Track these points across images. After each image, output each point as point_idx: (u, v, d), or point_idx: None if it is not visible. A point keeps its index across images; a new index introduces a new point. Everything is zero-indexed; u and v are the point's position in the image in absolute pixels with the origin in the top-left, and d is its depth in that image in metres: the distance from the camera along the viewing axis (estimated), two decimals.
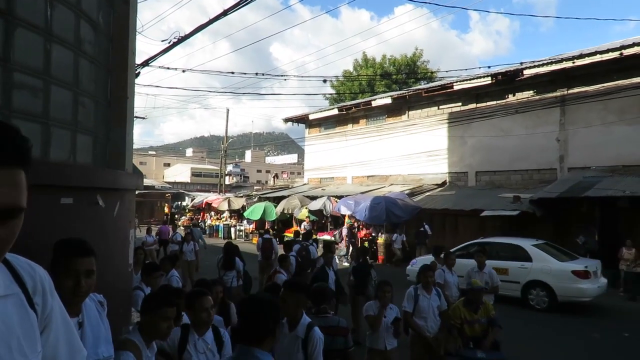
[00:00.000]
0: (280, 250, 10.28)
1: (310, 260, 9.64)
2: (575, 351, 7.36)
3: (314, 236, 20.07)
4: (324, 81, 17.84)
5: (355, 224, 18.45)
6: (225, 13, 8.75)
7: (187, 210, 34.57)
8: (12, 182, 1.00)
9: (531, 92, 17.10)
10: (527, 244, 10.80)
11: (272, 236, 12.61)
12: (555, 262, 10.10)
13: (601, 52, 14.46)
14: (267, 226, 23.83)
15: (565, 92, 15.99)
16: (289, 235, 19.19)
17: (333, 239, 18.33)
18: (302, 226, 19.46)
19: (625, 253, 11.93)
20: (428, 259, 10.60)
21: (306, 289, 3.48)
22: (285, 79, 16.74)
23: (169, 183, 50.23)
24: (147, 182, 38.70)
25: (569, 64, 15.19)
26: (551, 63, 15.67)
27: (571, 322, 9.13)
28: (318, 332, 3.22)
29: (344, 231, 17.80)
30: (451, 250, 11.03)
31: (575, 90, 15.72)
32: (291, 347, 3.22)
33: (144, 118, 28.77)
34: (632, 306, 10.62)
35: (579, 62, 14.94)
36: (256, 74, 15.47)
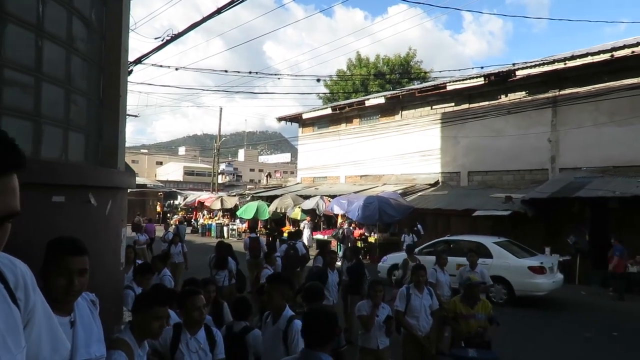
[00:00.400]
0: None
1: (299, 258, 9.83)
2: (567, 350, 7.42)
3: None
4: (318, 80, 17.89)
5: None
6: (219, 11, 8.71)
7: (179, 209, 34.44)
8: (9, 189, 1.04)
9: (523, 92, 17.22)
10: (488, 241, 11.26)
11: (267, 235, 12.67)
12: (513, 258, 10.56)
13: (592, 54, 14.59)
14: (260, 225, 23.85)
15: (557, 93, 16.12)
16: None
17: (326, 237, 18.33)
18: (303, 225, 19.42)
19: None
20: (400, 256, 10.97)
21: (289, 282, 3.58)
22: (279, 78, 16.75)
23: (161, 182, 49.99)
24: (139, 180, 38.48)
25: (560, 65, 15.31)
26: (543, 64, 15.78)
27: (561, 321, 9.23)
28: (298, 324, 3.27)
29: (347, 230, 17.57)
30: (419, 247, 11.50)
31: (567, 91, 15.85)
32: (274, 339, 3.32)
33: (136, 116, 28.54)
34: (620, 305, 10.75)
35: (570, 64, 15.06)
36: (250, 72, 15.47)
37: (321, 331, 2.55)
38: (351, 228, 17.72)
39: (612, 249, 11.74)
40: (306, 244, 17.76)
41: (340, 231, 17.55)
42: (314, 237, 20.08)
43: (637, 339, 8.07)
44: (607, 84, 14.68)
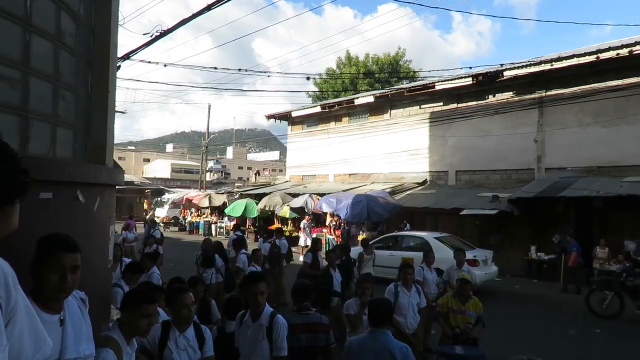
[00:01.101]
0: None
1: (281, 255, 10.15)
2: (552, 347, 7.53)
3: (296, 234, 20.12)
4: (308, 79, 17.83)
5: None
6: (209, 8, 8.65)
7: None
8: (15, 212, 1.24)
9: (511, 93, 17.40)
10: (430, 236, 12.30)
11: (255, 232, 12.64)
12: (450, 252, 11.00)
13: (578, 56, 14.80)
14: (248, 223, 23.77)
15: (544, 94, 16.32)
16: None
17: (315, 235, 18.30)
18: (302, 225, 19.40)
19: (599, 252, 12.27)
20: (354, 250, 11.48)
21: (264, 278, 3.57)
22: (268, 76, 16.66)
23: (148, 179, 49.52)
24: (126, 177, 38.05)
25: (547, 67, 15.50)
26: (530, 65, 15.97)
27: (546, 318, 9.38)
28: (281, 319, 3.34)
29: (353, 229, 17.05)
30: (370, 242, 11.90)
31: (553, 92, 16.06)
32: (256, 335, 3.31)
33: (123, 112, 28.24)
34: None
35: (557, 65, 15.26)
36: (239, 69, 15.36)
37: (383, 313, 3.47)
38: (356, 227, 17.57)
39: (568, 246, 12.39)
40: (303, 243, 17.74)
41: (346, 230, 17.50)
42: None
43: (619, 338, 8.24)
44: (592, 85, 14.90)
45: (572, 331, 8.45)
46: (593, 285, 12.14)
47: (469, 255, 10.95)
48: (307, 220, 19.48)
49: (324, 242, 17.41)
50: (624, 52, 13.66)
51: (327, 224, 19.58)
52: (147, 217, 24.86)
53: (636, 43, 13.59)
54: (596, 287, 10.01)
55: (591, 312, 9.62)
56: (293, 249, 18.90)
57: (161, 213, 31.41)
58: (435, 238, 12.08)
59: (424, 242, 11.99)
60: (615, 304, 9.44)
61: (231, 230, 24.30)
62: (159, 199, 35.83)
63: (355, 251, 11.01)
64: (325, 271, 7.24)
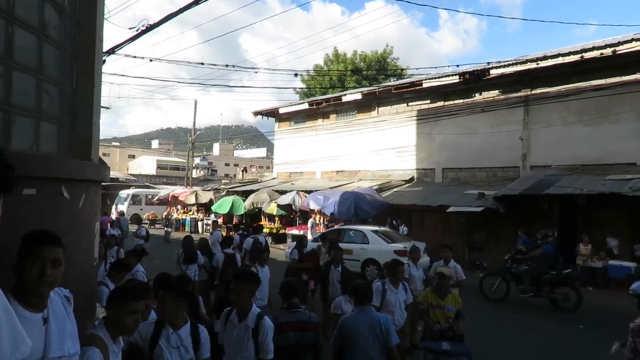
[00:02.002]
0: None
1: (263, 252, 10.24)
2: (538, 343, 7.65)
3: (283, 231, 20.09)
4: (295, 75, 17.72)
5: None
6: (196, 2, 8.55)
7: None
8: (0, 204, 1.29)
9: (497, 91, 17.58)
10: (368, 229, 13.04)
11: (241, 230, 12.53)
12: (384, 244, 12.09)
13: (563, 55, 15.00)
14: (235, 220, 23.67)
15: (529, 93, 16.53)
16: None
17: (302, 232, 18.28)
18: (309, 222, 19.34)
19: (582, 249, 12.46)
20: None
21: (257, 279, 3.53)
22: (255, 72, 16.55)
23: (133, 175, 48.91)
24: (110, 174, 37.37)
25: (533, 65, 15.69)
26: (516, 64, 16.15)
27: (530, 315, 9.51)
28: (268, 321, 3.32)
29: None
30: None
31: (539, 90, 16.27)
32: (242, 336, 3.28)
33: (108, 108, 27.83)
34: (587, 299, 11.08)
35: (542, 64, 15.46)
36: (226, 65, 15.21)
37: (367, 293, 4.00)
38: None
39: (518, 240, 13.02)
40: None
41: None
42: (289, 232, 20.03)
43: (601, 333, 8.38)
44: (577, 84, 15.13)
45: (553, 326, 8.58)
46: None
47: (400, 246, 11.71)
48: (313, 219, 19.46)
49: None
50: (608, 52, 13.88)
51: (315, 221, 19.57)
52: (120, 211, 24.06)
53: (619, 43, 13.83)
54: (488, 274, 11.29)
55: (483, 296, 10.64)
56: (281, 245, 18.99)
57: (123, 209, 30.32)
58: (372, 231, 12.80)
59: (362, 235, 12.79)
60: (503, 288, 10.57)
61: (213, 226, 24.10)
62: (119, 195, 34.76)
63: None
64: (325, 267, 7.25)
